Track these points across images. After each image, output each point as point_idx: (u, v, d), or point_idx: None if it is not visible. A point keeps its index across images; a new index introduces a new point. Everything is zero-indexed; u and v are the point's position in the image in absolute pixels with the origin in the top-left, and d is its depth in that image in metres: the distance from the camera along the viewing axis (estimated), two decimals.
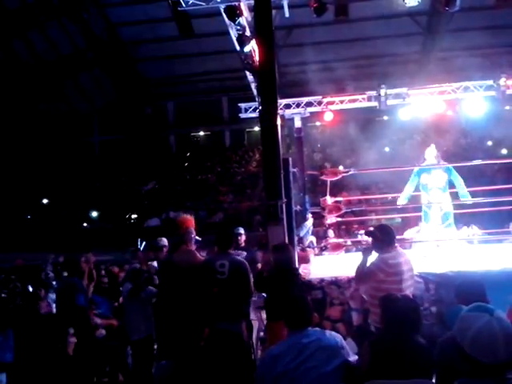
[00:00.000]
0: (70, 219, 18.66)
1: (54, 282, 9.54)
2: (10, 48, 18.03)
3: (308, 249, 9.24)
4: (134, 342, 6.00)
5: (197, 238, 5.95)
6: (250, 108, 12.33)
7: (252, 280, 5.18)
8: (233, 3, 8.97)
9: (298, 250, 7.80)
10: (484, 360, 1.97)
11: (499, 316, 2.02)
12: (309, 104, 12.04)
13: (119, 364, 6.20)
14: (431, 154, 8.45)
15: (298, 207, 10.01)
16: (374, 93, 11.63)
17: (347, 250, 10.82)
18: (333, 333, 3.37)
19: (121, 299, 7.21)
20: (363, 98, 11.86)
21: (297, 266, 6.51)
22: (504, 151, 18.24)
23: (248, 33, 9.31)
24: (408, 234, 10.21)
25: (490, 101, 11.97)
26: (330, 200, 9.51)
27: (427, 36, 18.87)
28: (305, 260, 7.99)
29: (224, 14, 9.13)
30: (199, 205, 18.95)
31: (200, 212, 18.10)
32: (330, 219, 9.67)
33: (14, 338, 5.51)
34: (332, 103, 11.90)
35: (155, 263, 6.39)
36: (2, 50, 17.81)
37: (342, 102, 11.94)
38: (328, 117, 11.91)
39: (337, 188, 12.83)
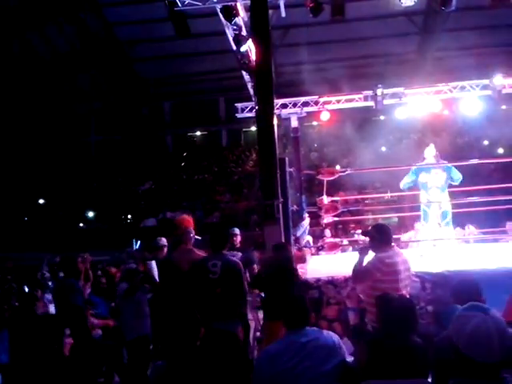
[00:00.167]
0: (67, 219, 18.64)
1: (50, 283, 9.52)
2: (7, 47, 17.98)
3: (304, 248, 9.24)
4: (130, 342, 6.00)
5: (196, 237, 5.97)
6: (247, 108, 12.32)
7: (246, 280, 5.18)
8: (229, 3, 8.98)
9: (294, 249, 7.81)
10: (479, 359, 1.97)
11: (494, 315, 2.02)
12: (305, 104, 12.04)
13: (115, 364, 6.20)
14: (430, 153, 8.47)
15: (295, 207, 10.02)
16: (370, 92, 11.64)
17: (344, 250, 10.85)
18: (330, 332, 3.37)
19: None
20: (360, 98, 11.87)
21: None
22: (500, 150, 18.30)
23: (244, 33, 9.31)
24: (405, 237, 10.25)
25: (486, 100, 12.00)
26: (326, 199, 9.52)
27: (423, 36, 18.89)
28: (301, 260, 7.98)
29: (220, 14, 9.14)
30: (196, 205, 18.95)
31: (197, 212, 18.10)
32: (327, 219, 9.68)
33: (10, 339, 5.50)
34: (328, 103, 11.90)
35: (153, 263, 6.39)
36: None
37: (338, 101, 11.94)
38: (324, 116, 11.91)
39: (333, 188, 12.84)
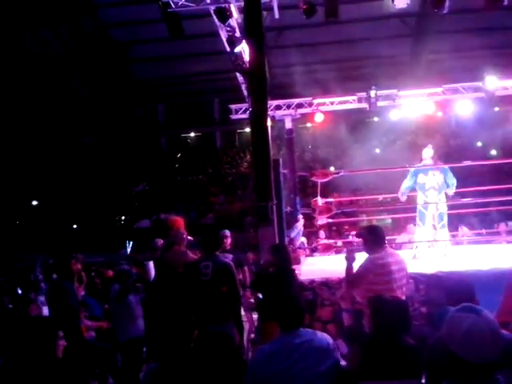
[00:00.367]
0: (60, 221, 18.57)
1: (43, 284, 9.48)
2: (2, 48, 17.90)
3: (299, 250, 9.25)
4: (122, 344, 5.98)
5: (189, 238, 5.97)
6: (241, 109, 12.34)
7: (238, 281, 5.17)
8: (223, 5, 8.98)
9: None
10: (472, 360, 1.98)
11: (487, 316, 2.03)
12: (299, 105, 12.07)
13: (109, 366, 6.17)
14: (428, 154, 8.49)
15: (289, 208, 10.03)
16: (364, 94, 11.68)
17: (338, 251, 10.86)
18: (324, 334, 3.36)
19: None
20: (353, 100, 11.92)
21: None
22: (493, 152, 18.39)
23: (238, 34, 9.32)
24: (400, 239, 10.28)
25: (479, 102, 12.07)
26: (320, 201, 9.53)
27: (416, 38, 18.96)
28: (295, 261, 7.99)
29: (214, 16, 9.14)
30: (190, 206, 18.94)
31: (191, 213, 18.10)
32: (321, 220, 9.70)
33: (2, 341, 5.46)
34: (322, 104, 11.94)
35: (151, 263, 6.39)
36: None
37: (332, 103, 11.99)
38: (318, 118, 11.94)
39: (328, 189, 12.86)
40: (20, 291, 9.36)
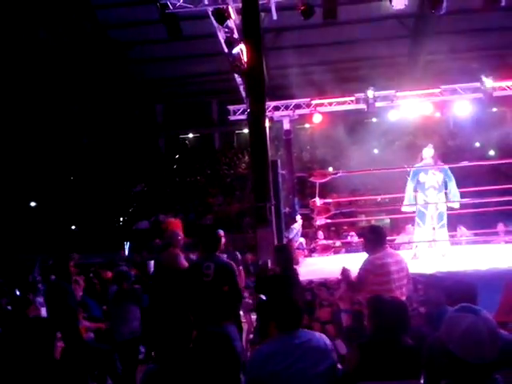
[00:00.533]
0: (58, 222, 18.55)
1: (40, 285, 9.48)
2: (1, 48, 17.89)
3: (297, 250, 9.26)
4: (120, 344, 5.98)
5: (185, 239, 5.97)
6: (239, 110, 12.35)
7: (240, 281, 5.19)
8: (221, 6, 8.98)
9: None
10: (471, 360, 1.98)
11: (485, 316, 2.03)
12: (297, 106, 12.09)
13: (108, 367, 6.17)
14: (428, 154, 8.50)
15: (287, 209, 10.04)
16: (362, 95, 11.69)
17: (336, 252, 10.88)
18: (322, 335, 3.36)
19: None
20: (351, 101, 11.93)
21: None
22: (491, 152, 18.41)
23: (236, 35, 9.33)
24: (399, 239, 10.30)
25: (477, 103, 12.09)
26: (319, 202, 9.55)
27: (414, 39, 18.98)
28: (294, 261, 8.00)
29: (212, 17, 9.15)
30: (189, 207, 18.93)
31: (189, 214, 18.09)
32: (320, 221, 9.72)
33: (1, 342, 5.46)
34: (320, 105, 11.96)
35: (152, 263, 6.41)
36: None
37: (330, 104, 12.00)
38: (317, 119, 11.96)
39: (326, 189, 12.88)
40: (18, 292, 9.35)
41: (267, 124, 7.51)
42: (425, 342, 3.13)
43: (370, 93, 11.46)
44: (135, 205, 20.20)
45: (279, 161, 8.52)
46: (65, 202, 19.45)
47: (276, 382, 3.08)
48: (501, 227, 10.22)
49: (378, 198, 12.79)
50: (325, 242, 10.57)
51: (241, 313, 6.20)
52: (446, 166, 8.59)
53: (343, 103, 12.04)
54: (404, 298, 4.50)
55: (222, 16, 8.97)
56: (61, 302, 5.84)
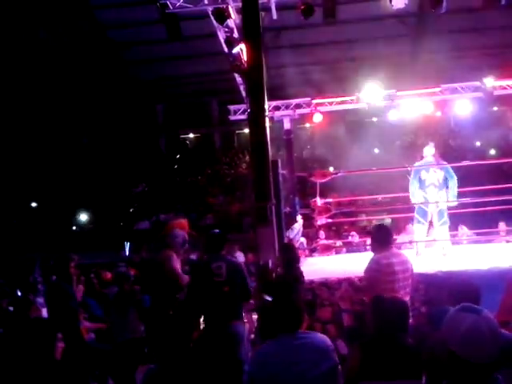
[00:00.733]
0: (59, 222, 18.56)
1: (40, 286, 9.48)
2: None
3: (298, 250, 9.25)
4: (120, 345, 5.97)
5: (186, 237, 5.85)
6: (240, 110, 12.35)
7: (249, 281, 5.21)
8: (221, 5, 8.97)
9: None
10: (472, 360, 1.97)
11: (487, 316, 2.02)
12: (298, 106, 12.09)
13: (109, 368, 6.17)
14: (429, 152, 8.49)
15: (288, 209, 10.03)
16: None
17: (337, 252, 10.87)
18: (323, 335, 3.35)
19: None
20: (352, 100, 11.92)
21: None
22: (492, 151, 18.40)
23: (236, 35, 9.31)
24: (400, 239, 10.28)
25: (478, 102, 12.08)
26: (319, 201, 9.54)
27: (415, 38, 18.96)
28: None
29: (212, 17, 9.13)
30: (189, 207, 18.93)
31: (191, 214, 18.08)
32: (320, 220, 9.70)
33: (2, 343, 5.46)
34: (321, 105, 11.96)
35: None
36: None
37: (330, 103, 12.00)
38: (317, 118, 11.95)
39: (327, 189, 12.86)
40: (20, 293, 9.36)
41: (267, 124, 7.50)
42: (426, 341, 3.13)
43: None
44: (136, 205, 20.20)
45: (280, 160, 8.50)
46: (66, 202, 19.46)
47: (276, 383, 3.08)
48: (502, 226, 10.21)
49: (379, 197, 12.81)
50: (325, 241, 10.55)
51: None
52: (448, 164, 8.57)
53: (344, 103, 12.04)
54: (408, 298, 4.52)
55: (221, 15, 8.96)
56: (61, 302, 5.83)
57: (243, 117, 11.95)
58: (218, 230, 5.52)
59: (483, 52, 18.25)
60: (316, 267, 8.12)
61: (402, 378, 3.02)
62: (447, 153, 15.83)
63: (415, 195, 8.45)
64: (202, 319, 5.12)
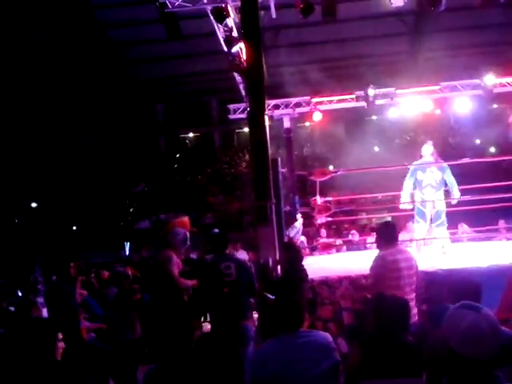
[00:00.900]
0: (60, 222, 18.56)
1: (40, 286, 9.49)
2: None
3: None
4: (120, 345, 5.96)
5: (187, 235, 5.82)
6: (239, 109, 12.35)
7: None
8: (220, 4, 8.95)
9: None
10: (472, 358, 1.97)
11: (487, 313, 2.02)
12: (297, 104, 12.08)
13: (109, 367, 6.17)
14: (428, 151, 8.46)
15: (288, 207, 10.02)
16: (362, 93, 11.67)
17: (338, 250, 10.87)
18: (325, 333, 3.35)
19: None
20: (351, 98, 11.91)
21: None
22: (492, 149, 18.39)
23: (235, 34, 9.30)
24: (400, 237, 10.25)
25: (477, 100, 12.07)
26: (319, 200, 9.54)
27: (414, 36, 18.95)
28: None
29: (211, 16, 9.12)
30: (189, 206, 18.93)
31: (190, 213, 18.06)
32: (320, 219, 9.70)
33: (2, 342, 5.46)
34: (320, 103, 11.95)
35: None
36: None
37: (330, 102, 11.99)
38: (317, 117, 11.94)
39: (327, 188, 12.86)
40: (20, 293, 9.37)
41: (267, 122, 7.49)
42: (426, 339, 3.13)
43: (371, 91, 11.43)
44: (136, 204, 20.19)
45: (279, 159, 8.49)
46: (66, 202, 19.46)
47: (278, 382, 3.08)
48: (502, 224, 10.22)
49: (379, 195, 12.81)
50: (326, 240, 10.56)
51: None
52: (446, 164, 8.53)
53: (343, 101, 12.02)
54: (414, 295, 4.53)
55: (221, 14, 8.94)
56: (62, 302, 5.84)
57: (243, 116, 11.94)
58: (217, 230, 5.52)
59: (483, 50, 18.25)
60: (316, 266, 8.13)
61: (402, 376, 3.02)
62: (447, 151, 15.85)
63: (409, 195, 8.43)
64: (206, 319, 5.13)
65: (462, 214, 9.53)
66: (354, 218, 13.82)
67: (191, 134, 25.12)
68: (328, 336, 3.28)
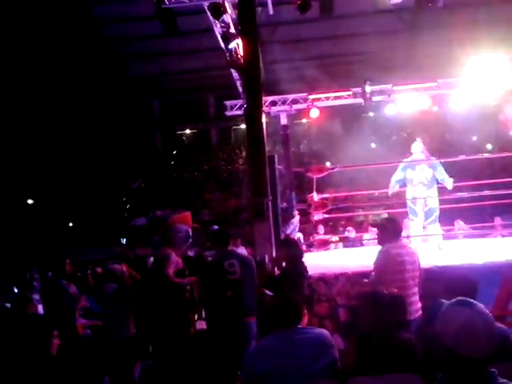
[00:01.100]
0: (56, 219, 18.54)
1: (36, 283, 9.48)
2: None
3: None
4: (115, 342, 5.95)
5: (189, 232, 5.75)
6: (236, 105, 12.33)
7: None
8: (217, 0, 8.93)
9: None
10: (467, 354, 1.97)
11: (481, 310, 2.02)
12: (294, 101, 12.07)
13: (105, 364, 6.16)
14: (417, 148, 8.43)
15: (285, 204, 10.02)
16: (359, 89, 11.66)
17: (336, 247, 10.88)
18: (323, 330, 3.35)
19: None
20: (348, 95, 11.91)
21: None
22: (489, 146, 18.41)
23: (232, 30, 9.28)
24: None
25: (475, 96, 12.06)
26: (316, 197, 9.54)
27: (411, 32, 18.95)
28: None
29: (208, 12, 9.09)
30: (186, 203, 18.91)
31: (187, 210, 18.03)
32: (317, 216, 9.70)
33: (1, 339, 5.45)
34: (317, 100, 11.94)
35: (151, 259, 6.37)
36: None
37: (327, 98, 11.98)
38: (314, 113, 11.93)
39: (323, 184, 12.86)
40: (16, 290, 9.36)
41: (264, 119, 7.49)
42: (421, 335, 3.13)
43: (368, 87, 11.42)
44: (132, 201, 20.17)
45: (276, 156, 8.49)
46: (62, 198, 19.42)
47: (275, 378, 3.07)
48: (498, 221, 10.24)
49: (376, 192, 12.81)
50: (322, 237, 10.56)
51: None
52: (437, 161, 8.46)
53: (340, 98, 12.02)
54: (417, 289, 4.56)
55: (218, 10, 8.91)
56: (57, 299, 5.83)
57: (240, 112, 11.93)
58: (217, 227, 5.51)
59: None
60: (313, 262, 8.13)
61: (397, 372, 3.03)
62: (444, 147, 15.86)
63: (395, 188, 8.43)
64: (200, 316, 5.12)
65: (458, 210, 9.54)
66: (350, 214, 13.82)
67: (188, 131, 25.08)
68: (326, 333, 3.28)
